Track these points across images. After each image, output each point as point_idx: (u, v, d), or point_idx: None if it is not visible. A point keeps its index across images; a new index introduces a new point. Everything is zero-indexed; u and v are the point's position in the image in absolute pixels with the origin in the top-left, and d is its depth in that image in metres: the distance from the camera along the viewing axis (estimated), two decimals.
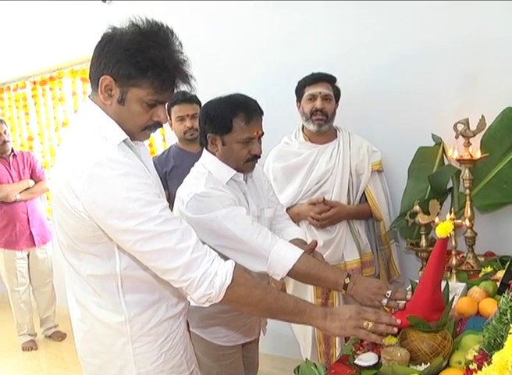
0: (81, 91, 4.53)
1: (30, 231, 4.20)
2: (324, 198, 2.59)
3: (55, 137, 4.91)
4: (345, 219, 2.67)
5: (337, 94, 2.68)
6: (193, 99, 2.85)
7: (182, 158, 2.93)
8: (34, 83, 4.93)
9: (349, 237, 2.69)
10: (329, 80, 2.64)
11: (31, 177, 4.25)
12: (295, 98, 2.73)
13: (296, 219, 2.61)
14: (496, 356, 0.78)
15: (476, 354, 1.13)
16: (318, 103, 2.59)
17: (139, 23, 1.36)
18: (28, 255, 4.28)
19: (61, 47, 4.44)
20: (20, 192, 4.13)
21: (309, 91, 2.62)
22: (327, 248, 2.62)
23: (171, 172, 2.93)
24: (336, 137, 2.73)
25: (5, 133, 4.11)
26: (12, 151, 4.23)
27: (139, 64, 1.33)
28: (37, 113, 5.01)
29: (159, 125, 1.49)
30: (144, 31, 1.35)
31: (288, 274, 1.76)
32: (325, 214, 2.58)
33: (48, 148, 4.98)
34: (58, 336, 4.45)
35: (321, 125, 2.62)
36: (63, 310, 4.51)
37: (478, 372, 0.80)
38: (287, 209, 2.53)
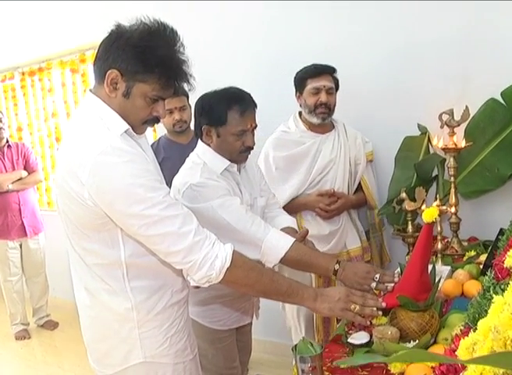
0: (71, 81, 4.54)
1: (22, 222, 4.21)
2: (334, 190, 2.61)
3: (44, 127, 4.91)
4: (347, 209, 2.71)
5: (337, 84, 2.65)
6: (180, 91, 2.79)
7: (172, 150, 2.95)
8: (23, 73, 4.91)
9: (350, 226, 2.73)
10: (331, 72, 2.61)
11: (25, 168, 4.25)
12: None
13: (303, 208, 2.64)
14: (481, 323, 0.86)
15: (462, 328, 1.20)
16: (323, 97, 2.56)
17: (147, 22, 1.40)
18: (21, 246, 4.30)
19: (50, 38, 4.42)
20: (13, 182, 4.13)
21: (312, 84, 2.57)
22: (332, 237, 2.65)
23: (162, 163, 2.87)
24: (334, 127, 2.73)
25: (0, 121, 4.12)
26: (7, 142, 4.23)
27: (148, 61, 1.38)
28: (26, 104, 4.99)
29: (157, 120, 1.54)
30: (153, 30, 1.40)
31: (280, 261, 1.81)
32: (334, 205, 2.60)
33: (38, 139, 4.98)
34: (51, 325, 4.49)
35: (325, 118, 2.61)
36: (55, 300, 4.60)
37: (465, 337, 0.88)
38: (293, 199, 2.57)
